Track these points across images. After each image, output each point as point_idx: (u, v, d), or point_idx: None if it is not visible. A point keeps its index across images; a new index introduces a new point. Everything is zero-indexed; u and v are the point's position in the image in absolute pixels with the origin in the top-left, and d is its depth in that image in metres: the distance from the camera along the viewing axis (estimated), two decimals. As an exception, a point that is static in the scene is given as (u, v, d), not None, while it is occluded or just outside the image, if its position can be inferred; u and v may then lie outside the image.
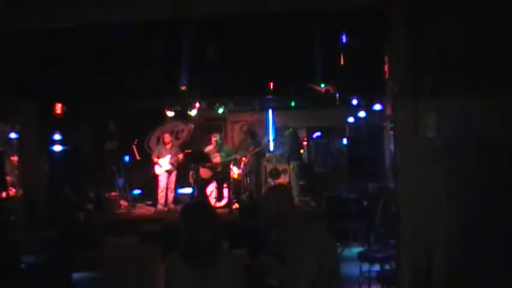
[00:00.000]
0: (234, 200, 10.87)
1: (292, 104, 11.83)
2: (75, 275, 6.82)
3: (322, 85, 9.89)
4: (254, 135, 12.12)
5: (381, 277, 5.91)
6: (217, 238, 2.96)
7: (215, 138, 11.26)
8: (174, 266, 2.94)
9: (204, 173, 11.25)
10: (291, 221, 3.35)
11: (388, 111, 8.80)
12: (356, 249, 7.26)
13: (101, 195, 10.96)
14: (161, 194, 11.28)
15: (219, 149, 11.19)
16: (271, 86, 10.94)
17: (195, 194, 11.43)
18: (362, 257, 6.14)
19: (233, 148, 11.91)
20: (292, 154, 11.54)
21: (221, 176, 11.15)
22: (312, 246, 3.21)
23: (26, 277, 6.03)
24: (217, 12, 4.68)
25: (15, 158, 9.46)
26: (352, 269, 6.37)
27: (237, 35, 8.90)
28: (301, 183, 11.50)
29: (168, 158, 11.24)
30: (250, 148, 11.53)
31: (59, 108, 10.54)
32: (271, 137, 12.67)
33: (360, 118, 11.14)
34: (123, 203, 11.52)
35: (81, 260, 7.47)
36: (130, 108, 12.08)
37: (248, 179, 11.41)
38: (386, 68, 5.66)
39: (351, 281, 6.12)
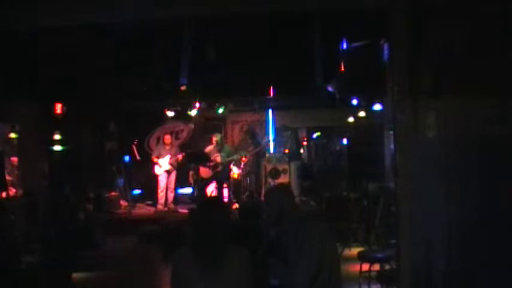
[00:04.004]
0: (234, 200, 10.87)
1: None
2: (75, 275, 6.82)
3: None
4: (254, 135, 12.13)
5: (381, 277, 5.91)
6: (228, 236, 2.97)
7: (216, 138, 11.27)
8: (183, 259, 2.95)
9: (204, 173, 11.26)
10: (292, 220, 3.35)
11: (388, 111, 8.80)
12: (356, 249, 7.26)
13: (101, 195, 10.97)
14: (161, 194, 11.28)
15: (219, 149, 11.19)
16: (271, 87, 10.94)
17: (195, 194, 11.45)
18: (362, 257, 6.13)
19: (233, 148, 11.91)
20: (292, 154, 11.54)
21: (221, 176, 11.16)
22: (313, 246, 3.21)
23: (26, 277, 6.03)
24: (218, 11, 4.68)
25: (15, 158, 9.45)
26: (352, 269, 6.37)
27: (237, 35, 8.88)
28: (301, 183, 11.50)
29: (167, 158, 11.23)
30: (250, 148, 11.54)
31: (59, 108, 10.52)
32: (271, 137, 12.67)
33: (360, 118, 11.14)
34: (123, 203, 11.52)
35: (81, 260, 7.47)
36: (130, 108, 12.10)
37: (248, 179, 11.43)
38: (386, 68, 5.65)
39: (351, 281, 6.12)
